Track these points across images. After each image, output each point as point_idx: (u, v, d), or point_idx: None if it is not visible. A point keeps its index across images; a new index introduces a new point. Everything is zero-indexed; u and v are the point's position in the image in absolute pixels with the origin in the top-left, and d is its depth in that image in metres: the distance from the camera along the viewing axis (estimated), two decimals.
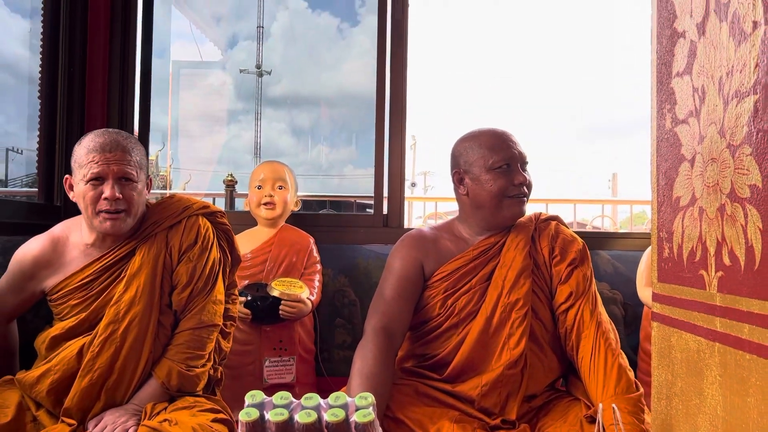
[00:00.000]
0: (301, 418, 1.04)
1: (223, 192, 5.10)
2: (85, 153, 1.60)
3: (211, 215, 1.82)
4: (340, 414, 1.05)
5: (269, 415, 1.05)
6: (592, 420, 1.51)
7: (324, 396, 2.27)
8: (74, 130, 2.52)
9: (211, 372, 1.74)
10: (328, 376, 2.49)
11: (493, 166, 1.67)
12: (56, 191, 2.46)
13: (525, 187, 1.69)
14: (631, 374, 1.57)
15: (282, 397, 1.10)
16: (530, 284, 1.66)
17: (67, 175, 1.68)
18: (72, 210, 2.44)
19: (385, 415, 1.50)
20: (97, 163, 1.58)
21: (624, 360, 1.59)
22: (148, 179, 1.72)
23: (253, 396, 1.09)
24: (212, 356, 1.73)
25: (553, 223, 1.79)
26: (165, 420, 1.48)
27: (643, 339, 2.35)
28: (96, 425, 1.51)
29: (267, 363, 2.26)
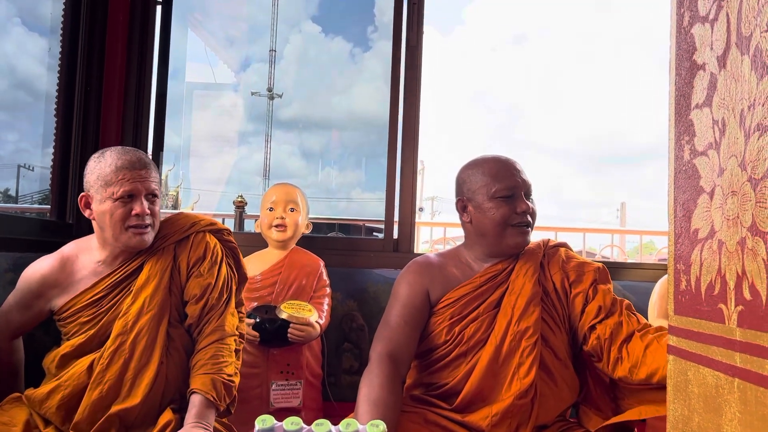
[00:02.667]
0: None
1: (233, 213, 5.11)
2: (113, 171, 1.62)
3: (218, 232, 1.84)
4: None
5: None
6: None
7: (331, 421, 2.24)
8: (89, 148, 2.53)
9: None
10: (335, 401, 2.47)
11: (496, 195, 1.67)
12: (69, 209, 2.47)
13: (529, 216, 1.69)
14: None
15: (292, 422, 1.08)
16: (540, 312, 1.64)
17: (83, 193, 1.68)
18: (85, 228, 2.46)
19: None
20: (128, 180, 1.61)
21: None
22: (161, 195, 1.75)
23: (264, 421, 1.08)
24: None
25: (562, 249, 1.78)
26: None
27: None
28: None
29: (274, 386, 2.24)
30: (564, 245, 1.80)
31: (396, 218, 2.71)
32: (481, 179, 1.70)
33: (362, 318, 2.61)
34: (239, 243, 1.94)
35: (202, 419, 1.54)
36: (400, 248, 2.67)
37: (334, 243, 2.80)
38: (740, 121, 0.96)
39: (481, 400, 1.61)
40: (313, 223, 2.59)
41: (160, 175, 1.79)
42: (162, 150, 2.90)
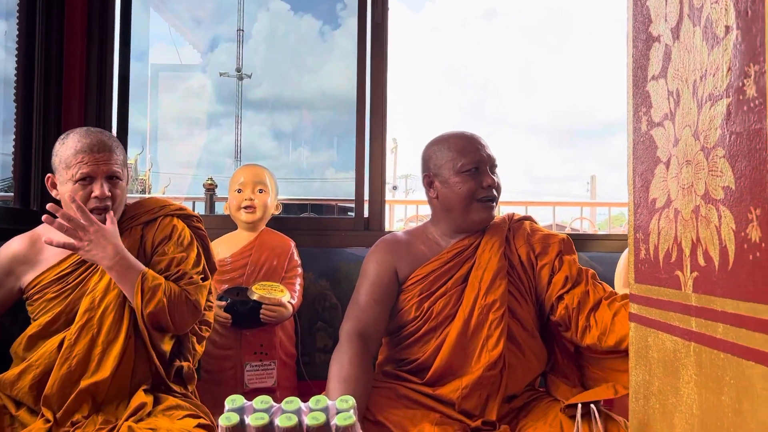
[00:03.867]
0: (281, 422, 1.04)
1: (203, 196, 5.06)
2: (72, 153, 1.63)
3: (188, 218, 1.84)
4: (321, 418, 1.05)
5: (249, 420, 1.05)
6: (572, 415, 1.53)
7: (306, 400, 2.26)
8: (51, 134, 2.48)
9: (184, 366, 1.75)
10: (309, 379, 2.48)
11: (461, 169, 1.68)
12: (33, 196, 2.43)
13: (494, 190, 1.70)
14: None
15: (262, 401, 1.09)
16: (506, 285, 1.67)
17: (49, 174, 1.70)
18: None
19: (365, 417, 1.50)
20: (86, 163, 1.62)
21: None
22: (127, 177, 1.75)
23: (233, 400, 1.09)
24: (187, 353, 1.74)
25: (527, 222, 1.80)
26: (149, 429, 1.47)
27: None
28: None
29: (248, 367, 2.25)
30: (529, 218, 1.82)
31: (366, 197, 2.71)
32: (446, 155, 1.71)
33: (335, 297, 2.62)
34: (208, 225, 1.93)
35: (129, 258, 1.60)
36: (371, 227, 2.67)
37: (304, 223, 2.79)
38: (693, 92, 0.98)
39: (451, 374, 1.64)
40: (284, 204, 2.58)
41: (126, 156, 1.77)
42: (127, 134, 2.85)
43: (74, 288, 1.66)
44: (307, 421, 1.05)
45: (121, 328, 1.62)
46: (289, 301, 2.23)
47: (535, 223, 1.82)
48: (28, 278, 1.69)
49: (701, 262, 0.95)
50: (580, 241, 2.69)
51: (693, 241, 0.97)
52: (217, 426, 1.06)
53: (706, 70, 0.94)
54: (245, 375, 2.25)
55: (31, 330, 1.64)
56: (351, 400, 1.09)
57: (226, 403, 1.08)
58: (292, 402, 1.09)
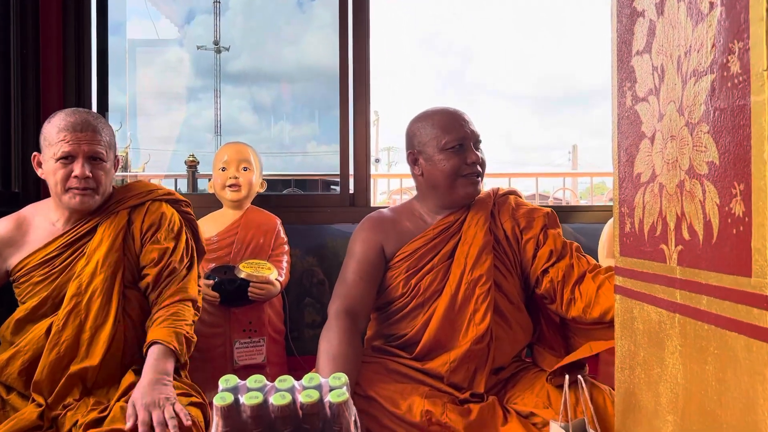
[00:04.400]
0: (275, 400, 1.06)
1: (185, 173, 5.02)
2: (56, 132, 1.62)
3: (176, 203, 1.83)
4: (315, 395, 1.07)
5: (244, 399, 1.06)
6: (558, 385, 1.56)
7: (296, 375, 2.28)
8: (30, 113, 2.44)
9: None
10: (298, 355, 2.50)
11: (446, 146, 1.69)
12: (13, 177, 2.40)
13: (479, 166, 1.71)
14: None
15: (256, 380, 1.10)
16: (492, 259, 1.69)
17: (35, 152, 1.70)
18: (31, 196, 2.40)
19: (355, 393, 1.52)
20: (68, 142, 1.61)
21: None
22: (115, 159, 1.73)
23: (227, 380, 1.10)
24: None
25: (512, 197, 1.82)
26: None
27: None
28: (134, 411, 1.40)
29: (237, 345, 2.26)
30: (513, 192, 1.84)
31: (351, 172, 2.71)
32: (430, 132, 1.71)
33: (322, 273, 2.63)
34: (193, 205, 1.92)
35: (160, 372, 1.51)
36: (357, 202, 2.68)
37: (290, 200, 2.79)
38: (678, 67, 0.99)
39: (439, 348, 1.66)
40: (267, 180, 2.58)
41: (114, 136, 1.75)
42: (107, 110, 2.82)
43: (61, 272, 1.65)
44: (301, 398, 1.06)
45: (109, 313, 1.61)
46: (276, 279, 2.24)
47: (520, 197, 1.83)
48: (14, 261, 1.67)
49: (686, 236, 0.97)
50: (563, 213, 2.71)
51: (678, 215, 0.99)
52: (210, 405, 1.07)
53: (690, 46, 0.95)
54: (235, 352, 2.26)
55: (18, 314, 1.63)
56: (343, 377, 1.11)
57: (219, 383, 1.10)
58: (286, 380, 1.11)
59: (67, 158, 1.62)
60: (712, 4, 0.88)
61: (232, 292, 2.18)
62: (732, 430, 0.85)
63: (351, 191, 2.70)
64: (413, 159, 1.76)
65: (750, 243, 0.80)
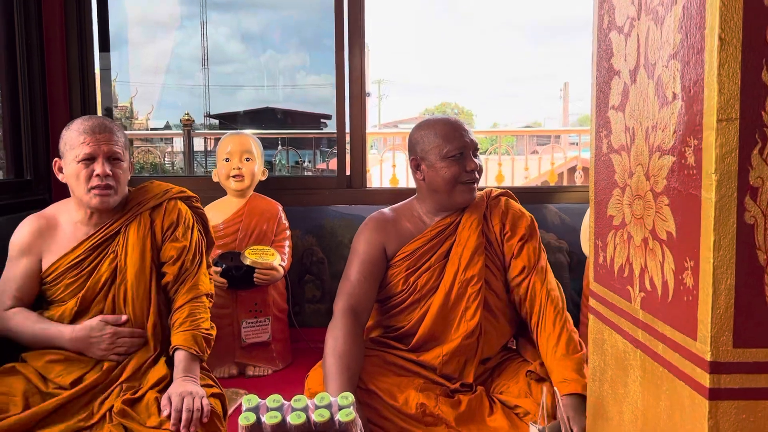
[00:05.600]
0: (292, 419, 1.22)
1: (181, 131, 5.11)
2: (76, 136, 1.75)
3: (188, 200, 1.96)
4: (326, 414, 1.23)
5: (265, 418, 1.22)
6: (537, 378, 1.75)
7: (298, 346, 2.47)
8: (37, 101, 2.53)
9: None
10: (299, 327, 2.68)
11: (447, 155, 1.81)
12: (25, 166, 2.50)
13: (476, 173, 1.84)
14: (576, 336, 1.79)
15: (274, 399, 1.26)
16: (483, 260, 1.84)
17: (56, 158, 1.81)
18: (43, 184, 2.52)
19: (357, 386, 1.70)
20: (88, 144, 1.73)
21: (570, 324, 1.80)
22: (130, 162, 1.85)
23: (249, 400, 1.25)
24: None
25: (503, 199, 1.95)
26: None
27: (585, 286, 2.58)
28: (168, 402, 1.59)
29: (244, 324, 2.43)
30: (506, 194, 1.97)
31: (347, 150, 2.82)
32: (433, 140, 1.83)
33: (321, 252, 2.79)
34: (196, 189, 2.03)
35: (189, 372, 1.71)
36: (353, 184, 2.81)
37: (290, 183, 2.92)
38: (645, 136, 1.12)
39: (433, 340, 1.83)
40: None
41: (127, 140, 1.86)
42: (108, 38, 2.94)
43: (89, 274, 1.79)
44: (314, 417, 1.23)
45: (149, 311, 1.81)
46: (280, 264, 2.39)
47: (512, 198, 1.97)
48: (46, 262, 1.81)
49: (648, 287, 1.12)
50: (549, 193, 2.86)
51: (642, 266, 1.14)
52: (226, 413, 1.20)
53: (657, 123, 1.07)
54: (242, 331, 2.44)
55: (52, 315, 1.79)
56: (350, 397, 1.27)
57: (243, 402, 1.25)
58: (300, 400, 1.26)
59: (89, 159, 1.74)
60: (675, 95, 1.00)
61: (238, 277, 2.34)
62: None
63: (347, 173, 2.82)
64: (416, 165, 1.89)
65: (696, 313, 0.95)
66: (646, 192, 1.11)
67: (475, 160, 1.84)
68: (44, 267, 1.81)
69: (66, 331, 1.74)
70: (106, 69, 3.09)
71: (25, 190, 2.48)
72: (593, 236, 1.38)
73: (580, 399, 1.60)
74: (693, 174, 0.95)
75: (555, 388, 1.43)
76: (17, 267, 1.81)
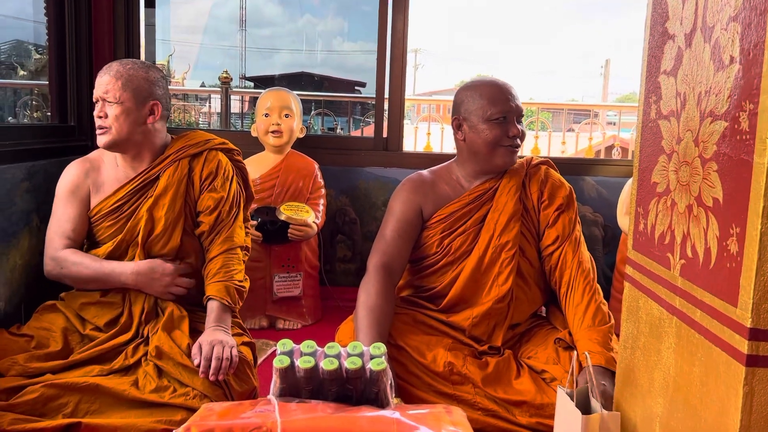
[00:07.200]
0: (325, 365, 1.24)
1: (218, 89, 5.14)
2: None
3: (229, 152, 1.98)
4: (358, 362, 1.25)
5: (299, 363, 1.25)
6: (565, 346, 1.75)
7: (327, 304, 2.50)
8: (83, 49, 2.56)
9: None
10: (330, 285, 2.72)
11: (490, 118, 1.80)
12: (69, 112, 2.55)
13: (518, 139, 1.83)
14: (605, 308, 1.78)
15: (308, 345, 1.29)
16: (519, 227, 1.83)
17: None
18: (86, 129, 2.57)
19: (387, 342, 1.72)
20: (96, 88, 1.81)
21: (599, 296, 1.79)
22: (149, 106, 1.83)
23: (284, 344, 1.28)
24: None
25: (543, 167, 1.93)
26: None
27: (619, 261, 2.57)
28: (199, 350, 1.62)
29: (276, 279, 2.47)
30: (546, 163, 1.95)
31: (385, 116, 2.82)
32: (477, 102, 1.82)
33: (354, 212, 2.81)
34: (238, 143, 2.05)
35: (221, 322, 1.75)
36: (390, 147, 2.81)
37: (326, 142, 2.93)
38: (698, 101, 1.10)
39: (463, 303, 1.84)
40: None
41: (157, 87, 1.87)
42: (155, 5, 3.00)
43: (129, 216, 1.84)
44: (347, 364, 1.25)
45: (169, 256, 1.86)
46: (314, 221, 2.42)
47: (552, 167, 1.95)
48: (93, 202, 1.87)
49: (689, 253, 1.11)
50: (587, 165, 2.84)
51: (684, 233, 1.13)
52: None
53: (710, 87, 1.05)
54: (274, 285, 2.48)
55: (97, 253, 1.84)
56: (383, 347, 1.29)
57: (278, 346, 1.28)
58: (333, 347, 1.29)
59: (96, 102, 1.81)
60: (732, 59, 0.98)
61: (273, 232, 2.38)
62: (708, 424, 1.03)
63: (384, 136, 2.82)
64: (458, 124, 1.88)
65: (739, 279, 0.94)
66: (694, 158, 1.10)
67: (519, 126, 1.83)
68: (92, 206, 1.87)
69: (129, 266, 1.80)
70: (150, 25, 3.10)
71: (69, 136, 2.54)
72: (635, 204, 1.37)
73: (603, 371, 1.60)
74: (746, 139, 0.93)
75: (587, 353, 1.43)
76: (68, 208, 1.86)
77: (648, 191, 1.30)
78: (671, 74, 1.21)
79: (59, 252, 1.83)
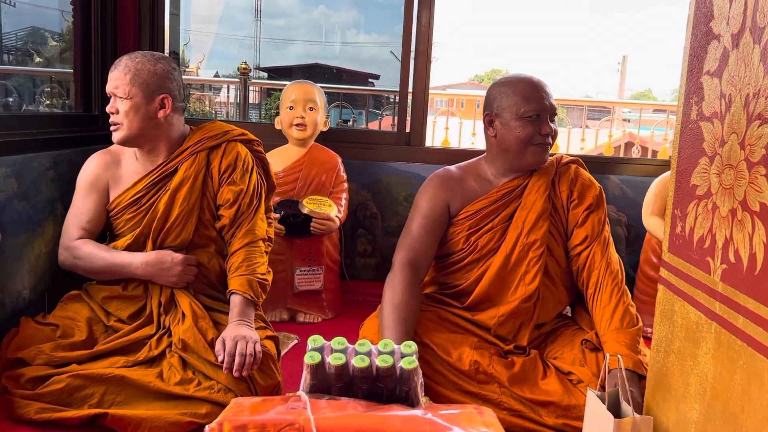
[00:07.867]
0: (356, 362, 1.23)
1: (236, 80, 5.13)
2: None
3: (249, 143, 1.97)
4: (389, 360, 1.24)
5: (329, 359, 1.24)
6: (592, 348, 1.74)
7: (347, 297, 2.50)
8: (108, 39, 2.56)
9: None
10: (350, 280, 2.71)
11: (524, 115, 1.78)
12: (93, 101, 2.55)
13: (550, 138, 1.81)
14: (633, 309, 1.76)
15: (339, 342, 1.28)
16: (548, 226, 1.82)
17: None
18: (108, 119, 2.56)
19: (412, 339, 1.71)
20: (108, 83, 1.81)
21: (628, 297, 1.77)
22: (159, 100, 1.80)
23: (315, 341, 1.27)
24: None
25: (573, 166, 1.91)
26: None
27: (642, 262, 2.54)
28: (223, 346, 1.62)
29: (297, 272, 2.47)
30: (576, 162, 1.93)
31: (408, 111, 2.81)
32: (511, 98, 1.80)
33: (375, 207, 2.80)
34: (258, 135, 2.04)
35: (244, 317, 1.75)
36: (412, 142, 2.79)
37: (349, 136, 2.91)
38: (744, 104, 1.07)
39: (488, 301, 1.82)
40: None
41: (169, 80, 1.85)
42: None
43: (147, 210, 1.84)
44: (378, 362, 1.24)
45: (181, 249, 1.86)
46: (336, 216, 2.41)
47: (582, 166, 1.93)
48: (112, 195, 1.88)
49: (731, 258, 1.09)
50: (612, 164, 2.81)
51: (726, 237, 1.11)
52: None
53: (760, 90, 1.03)
54: (295, 278, 2.47)
55: (120, 245, 1.84)
56: (414, 346, 1.28)
57: (308, 342, 1.27)
58: (364, 344, 1.28)
59: (109, 97, 1.81)
60: None
61: (296, 225, 2.37)
62: None
63: (407, 131, 2.81)
64: (489, 120, 1.85)
65: None
66: (739, 162, 1.08)
67: (551, 124, 1.81)
68: (111, 199, 1.87)
69: (138, 257, 1.80)
70: (175, 14, 3.10)
71: (93, 125, 2.53)
72: (671, 206, 1.34)
73: (630, 374, 1.58)
74: None
75: (618, 356, 1.41)
76: (86, 200, 1.87)
77: (687, 193, 1.28)
78: (715, 75, 1.18)
79: (73, 242, 1.84)
